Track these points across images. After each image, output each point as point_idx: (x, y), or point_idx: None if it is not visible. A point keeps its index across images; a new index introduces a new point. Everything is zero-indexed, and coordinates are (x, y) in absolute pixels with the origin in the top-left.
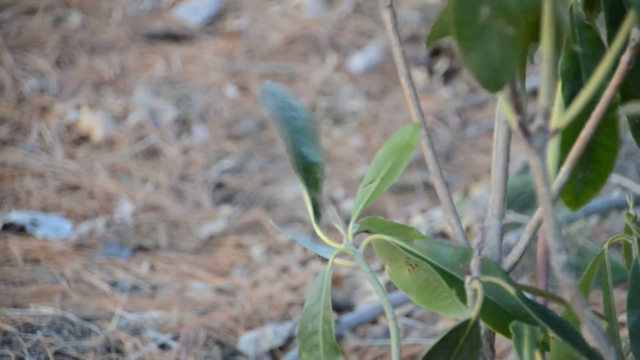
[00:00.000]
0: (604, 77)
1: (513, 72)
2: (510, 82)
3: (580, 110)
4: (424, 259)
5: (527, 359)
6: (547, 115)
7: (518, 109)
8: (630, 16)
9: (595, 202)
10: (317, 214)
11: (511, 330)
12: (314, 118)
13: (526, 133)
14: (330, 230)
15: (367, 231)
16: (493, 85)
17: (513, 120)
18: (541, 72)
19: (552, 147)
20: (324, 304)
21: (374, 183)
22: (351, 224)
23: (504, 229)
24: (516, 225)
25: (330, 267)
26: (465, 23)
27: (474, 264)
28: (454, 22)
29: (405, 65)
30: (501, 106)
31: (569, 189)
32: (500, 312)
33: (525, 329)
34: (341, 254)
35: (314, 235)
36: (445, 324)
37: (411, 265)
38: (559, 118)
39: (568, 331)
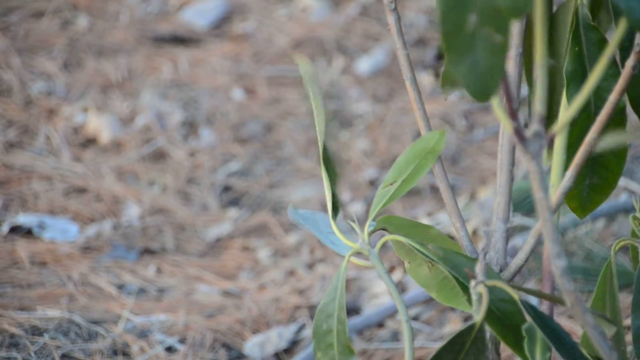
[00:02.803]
0: (610, 81)
1: (501, 80)
2: (504, 88)
3: (575, 114)
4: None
5: None
6: (542, 120)
7: (513, 114)
8: (622, 23)
9: (602, 205)
10: (336, 210)
11: (523, 333)
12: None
13: (522, 138)
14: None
15: (383, 229)
16: (482, 94)
17: (508, 125)
18: (536, 77)
19: (558, 151)
20: (339, 304)
21: (394, 185)
22: (367, 224)
23: (510, 232)
24: (523, 229)
25: (345, 266)
26: (452, 33)
27: (478, 268)
28: (442, 34)
29: (410, 68)
30: (498, 112)
31: (575, 195)
32: (502, 320)
33: (538, 331)
34: (356, 254)
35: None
36: (452, 327)
37: (430, 262)
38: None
39: (567, 344)
